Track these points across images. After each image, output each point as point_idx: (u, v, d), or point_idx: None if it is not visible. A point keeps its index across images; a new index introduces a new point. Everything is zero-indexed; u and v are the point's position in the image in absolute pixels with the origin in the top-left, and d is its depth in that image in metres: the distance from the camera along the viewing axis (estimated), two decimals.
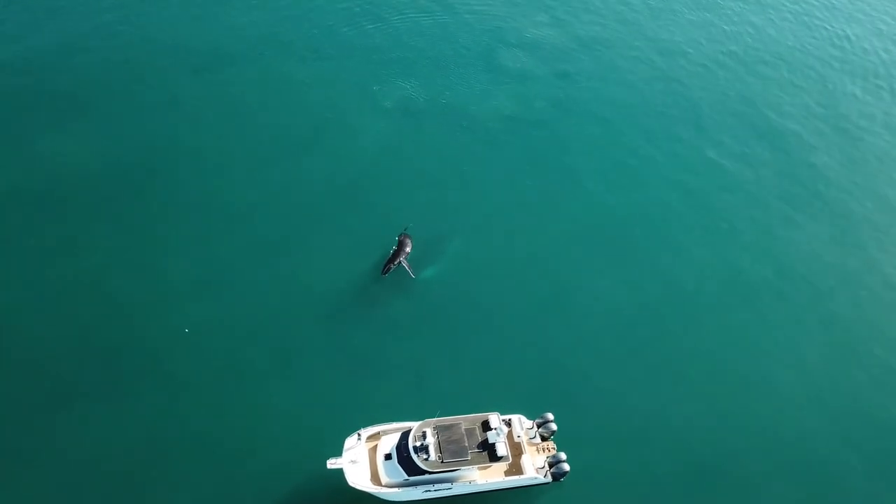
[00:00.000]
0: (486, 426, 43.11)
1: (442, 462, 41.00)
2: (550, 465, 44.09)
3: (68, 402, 45.22)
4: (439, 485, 41.78)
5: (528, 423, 45.86)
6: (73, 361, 47.27)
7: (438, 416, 42.97)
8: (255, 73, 70.94)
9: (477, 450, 42.00)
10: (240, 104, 67.75)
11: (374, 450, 43.08)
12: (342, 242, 56.74)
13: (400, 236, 56.04)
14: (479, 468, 42.57)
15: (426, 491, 41.82)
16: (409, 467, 41.08)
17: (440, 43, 77.93)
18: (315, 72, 72.25)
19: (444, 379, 49.13)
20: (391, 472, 41.60)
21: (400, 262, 54.20)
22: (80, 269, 52.43)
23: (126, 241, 54.74)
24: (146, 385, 46.63)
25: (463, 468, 41.42)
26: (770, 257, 60.62)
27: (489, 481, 42.71)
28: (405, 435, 42.24)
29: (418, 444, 41.41)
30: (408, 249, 55.12)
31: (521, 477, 43.09)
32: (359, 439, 42.49)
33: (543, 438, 45.73)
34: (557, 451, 44.99)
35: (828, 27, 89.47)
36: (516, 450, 43.94)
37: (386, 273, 53.80)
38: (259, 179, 60.83)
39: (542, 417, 45.94)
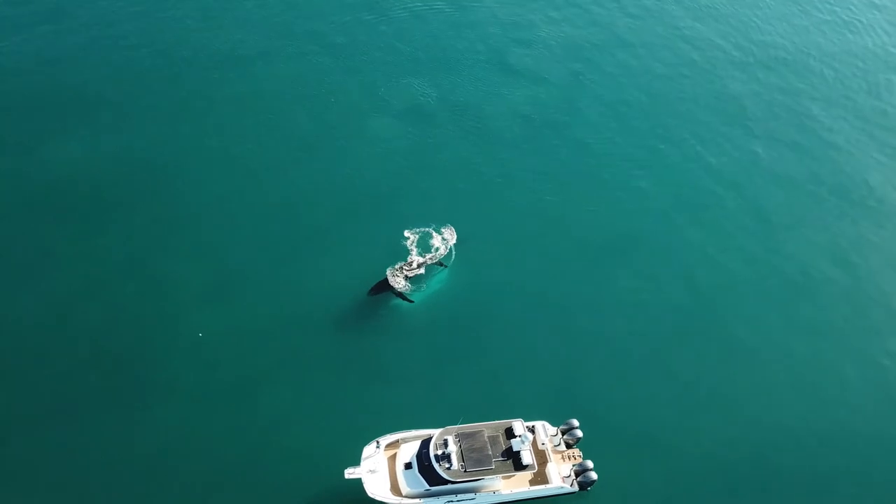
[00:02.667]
0: (509, 433, 41.34)
1: (465, 471, 39.22)
2: (577, 474, 42.25)
3: (76, 413, 43.69)
4: (462, 495, 40.03)
5: (553, 429, 44.08)
6: (81, 369, 45.72)
7: (460, 424, 41.20)
8: (263, 76, 69.39)
9: (501, 458, 40.19)
10: (248, 107, 66.10)
11: (392, 458, 41.34)
12: (356, 246, 55.06)
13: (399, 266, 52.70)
14: (504, 477, 40.78)
15: (448, 502, 40.04)
16: (431, 477, 39.32)
17: (453, 41, 76.39)
18: (324, 73, 70.71)
19: (464, 386, 47.45)
20: (411, 482, 39.83)
21: (393, 290, 51.46)
22: (89, 274, 50.93)
23: (135, 246, 53.25)
24: (156, 394, 45.04)
25: (487, 477, 39.64)
26: (794, 257, 58.87)
27: (514, 491, 40.95)
28: (426, 443, 40.51)
29: (440, 452, 39.65)
30: (399, 285, 51.81)
31: (547, 486, 41.31)
32: (377, 448, 40.79)
33: (568, 446, 43.98)
34: (584, 458, 43.18)
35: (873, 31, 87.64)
36: (541, 458, 42.18)
37: (374, 294, 51.22)
38: (270, 183, 59.21)
39: (566, 424, 44.16)
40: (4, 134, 60.36)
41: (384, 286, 51.22)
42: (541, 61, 76.00)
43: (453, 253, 54.83)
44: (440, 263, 53.43)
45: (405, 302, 50.96)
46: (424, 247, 54.81)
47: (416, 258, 53.14)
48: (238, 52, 71.43)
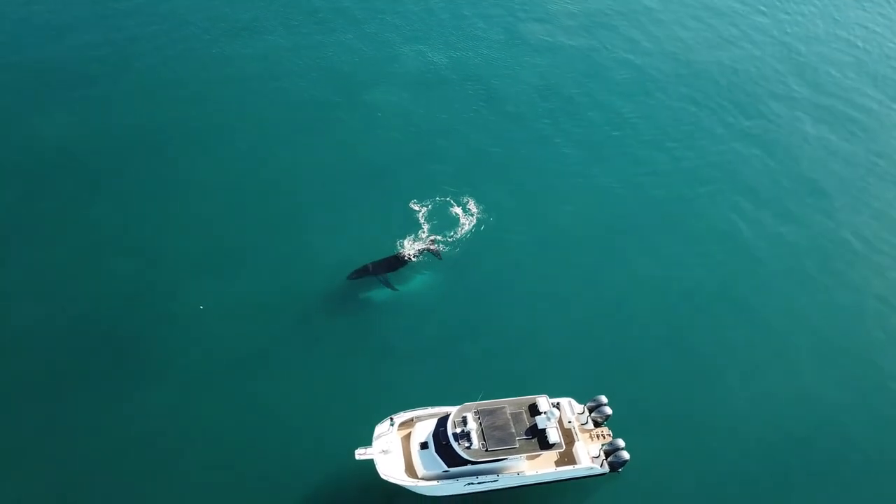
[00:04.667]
0: (533, 410, 37.90)
1: (486, 450, 35.80)
2: (607, 454, 38.90)
3: (71, 393, 40.37)
4: (483, 476, 36.58)
5: (579, 407, 40.66)
6: (72, 345, 42.50)
7: (479, 400, 37.81)
8: (263, 47, 66.22)
9: (525, 436, 36.75)
10: (246, 79, 62.88)
11: (407, 438, 37.96)
12: (362, 219, 51.77)
13: (391, 256, 48.52)
14: (528, 457, 37.38)
15: (468, 484, 36.62)
16: (449, 457, 35.91)
17: (463, 11, 73.06)
18: (328, 43, 67.49)
19: (481, 362, 44.07)
20: (428, 463, 36.42)
21: (378, 276, 47.54)
22: (79, 247, 47.72)
23: (127, 219, 50.01)
24: (153, 372, 41.70)
25: (510, 457, 36.20)
26: (828, 234, 55.49)
27: (539, 472, 37.47)
28: (442, 421, 37.10)
29: (459, 430, 36.23)
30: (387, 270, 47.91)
31: (576, 467, 37.84)
32: (391, 425, 37.38)
33: (596, 424, 40.57)
34: (614, 437, 39.81)
35: None
36: (568, 437, 38.80)
37: (354, 278, 47.06)
38: (269, 157, 55.83)
39: (594, 401, 40.76)
40: None
41: (365, 271, 47.05)
42: (556, 33, 72.66)
43: (474, 225, 51.62)
44: (436, 254, 49.29)
45: (389, 289, 47.03)
46: (440, 218, 51.55)
47: (407, 250, 48.84)
48: (235, 24, 68.22)
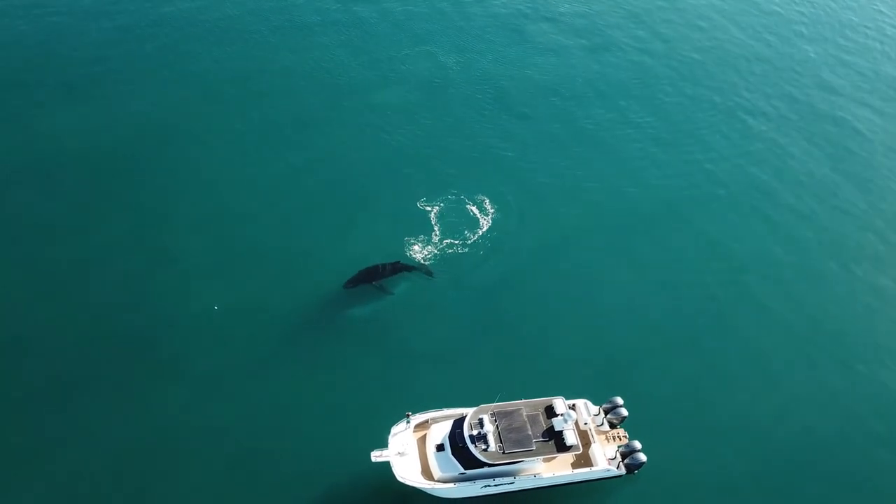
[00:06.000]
0: (550, 412, 37.66)
1: (503, 453, 35.57)
2: (623, 456, 38.68)
3: (87, 393, 40.21)
4: (500, 479, 36.37)
5: (595, 408, 40.48)
6: (85, 345, 42.33)
7: (496, 402, 37.59)
8: (271, 45, 66.12)
9: (542, 438, 36.51)
10: (254, 79, 62.84)
11: (422, 440, 37.74)
12: (374, 219, 51.75)
13: (390, 264, 47.40)
14: (545, 459, 37.18)
15: (485, 486, 36.43)
16: (466, 459, 35.70)
17: (469, 12, 72.84)
18: (335, 42, 67.38)
19: (495, 364, 43.88)
20: (444, 466, 36.21)
21: (372, 283, 46.70)
22: (90, 247, 47.56)
23: (137, 219, 49.92)
24: (166, 372, 41.57)
25: (527, 459, 36.00)
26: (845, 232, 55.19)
27: (556, 474, 37.29)
28: (458, 423, 36.89)
29: (475, 432, 36.00)
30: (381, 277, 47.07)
31: (592, 469, 37.66)
32: (407, 423, 37.16)
33: (612, 426, 40.33)
34: (630, 439, 39.57)
35: None
36: (584, 439, 38.54)
37: (350, 286, 46.09)
38: (280, 156, 55.79)
39: (610, 402, 40.52)
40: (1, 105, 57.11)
41: (362, 278, 46.27)
42: (562, 33, 72.48)
43: (486, 225, 51.50)
44: (427, 272, 48.10)
45: (387, 294, 46.46)
46: (451, 218, 51.44)
47: (389, 267, 47.19)
48: (247, 25, 68.24)
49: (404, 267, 47.71)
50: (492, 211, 52.43)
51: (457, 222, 51.38)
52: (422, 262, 48.51)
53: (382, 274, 46.85)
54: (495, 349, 44.55)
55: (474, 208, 52.47)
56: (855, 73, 71.96)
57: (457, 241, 50.03)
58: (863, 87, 70.28)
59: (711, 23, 77.19)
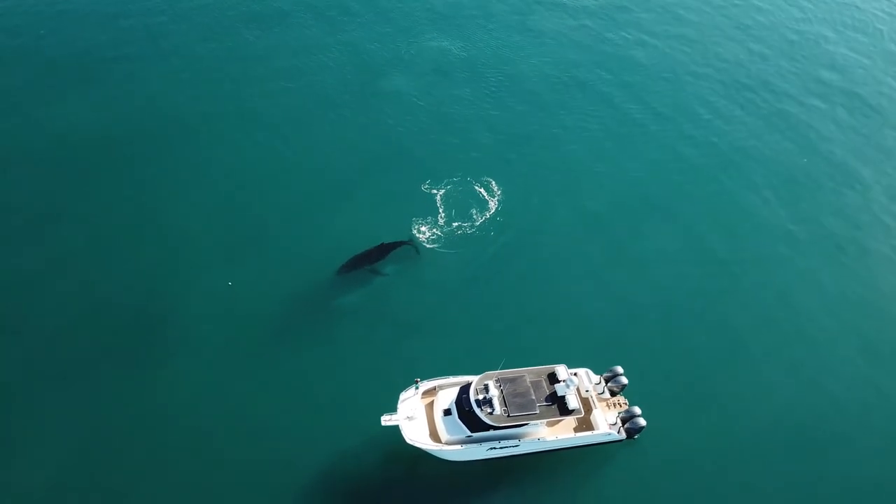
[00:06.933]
0: (552, 378, 39.20)
1: (508, 416, 37.14)
2: (623, 421, 40.18)
3: (95, 368, 41.74)
4: (505, 441, 37.94)
5: (596, 377, 41.99)
6: (98, 323, 43.92)
7: (501, 368, 39.14)
8: (280, 32, 67.80)
9: (545, 403, 38.06)
10: (263, 64, 64.52)
11: (430, 406, 39.33)
12: (383, 199, 53.26)
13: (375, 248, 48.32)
14: (548, 423, 38.74)
15: (491, 448, 37.99)
16: (472, 422, 37.26)
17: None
18: (342, 30, 69.00)
19: (499, 336, 45.27)
20: (452, 429, 37.79)
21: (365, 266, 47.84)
22: (101, 227, 49.27)
23: (148, 198, 51.64)
24: (179, 347, 43.13)
25: (532, 422, 37.54)
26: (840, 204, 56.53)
27: (559, 438, 38.83)
28: (465, 388, 38.43)
29: (481, 397, 37.59)
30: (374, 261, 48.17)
31: (594, 433, 39.19)
32: (416, 389, 38.79)
33: (613, 394, 41.81)
34: (630, 405, 41.07)
35: None
36: (585, 405, 40.06)
37: (344, 272, 47.06)
38: (289, 138, 57.52)
39: (610, 371, 42.03)
40: (14, 91, 59.01)
41: (357, 263, 47.43)
42: (567, 17, 74.02)
43: (493, 204, 53.14)
44: (414, 248, 49.18)
45: (381, 276, 47.82)
46: (458, 200, 53.07)
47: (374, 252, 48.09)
48: (259, 11, 70.10)
49: (391, 246, 48.65)
50: (498, 192, 53.95)
51: (462, 203, 52.86)
52: (413, 239, 49.71)
53: (370, 259, 47.87)
54: (501, 322, 46.02)
55: (481, 189, 53.99)
56: None
57: (465, 224, 51.37)
58: None
59: (728, 10, 78.50)
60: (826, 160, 61.08)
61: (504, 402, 37.53)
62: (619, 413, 40.64)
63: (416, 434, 37.55)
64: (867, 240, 54.44)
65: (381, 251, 48.40)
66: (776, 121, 64.70)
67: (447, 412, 38.44)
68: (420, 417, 38.40)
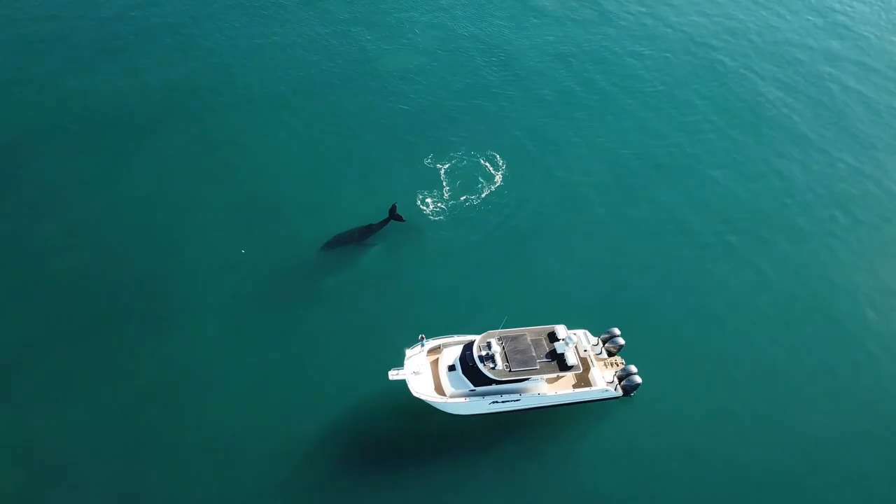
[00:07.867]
0: (552, 337, 40.99)
1: (510, 371, 38.95)
2: (620, 379, 41.95)
3: (110, 331, 43.61)
4: (507, 395, 39.74)
5: (594, 339, 43.72)
6: (113, 288, 45.87)
7: (502, 327, 40.94)
8: (292, 11, 69.52)
9: (545, 359, 39.86)
10: (273, 43, 66.34)
11: (435, 363, 41.17)
12: (389, 171, 55.12)
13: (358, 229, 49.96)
14: (548, 379, 40.54)
15: (493, 402, 39.79)
16: (475, 377, 39.11)
17: None
18: (348, 10, 70.67)
19: (500, 299, 47.08)
20: (456, 383, 39.62)
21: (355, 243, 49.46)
22: (117, 197, 51.29)
23: (163, 170, 53.67)
24: (192, 310, 45.08)
25: (532, 377, 39.34)
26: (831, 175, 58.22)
27: (558, 393, 40.62)
28: (468, 346, 40.26)
29: (484, 353, 39.41)
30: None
31: (592, 389, 40.99)
32: (422, 346, 40.59)
33: (610, 354, 43.60)
34: (626, 364, 42.85)
35: None
36: (584, 363, 41.84)
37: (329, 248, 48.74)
38: (301, 112, 59.66)
39: (608, 332, 43.81)
40: (31, 66, 60.97)
41: (342, 240, 49.20)
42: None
43: (495, 176, 54.96)
44: (398, 218, 50.26)
45: (371, 247, 49.49)
46: (461, 173, 54.84)
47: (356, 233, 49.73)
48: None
49: (378, 226, 49.94)
50: (502, 165, 55.75)
51: (465, 177, 54.63)
52: (393, 215, 50.61)
53: (352, 238, 49.33)
54: (501, 287, 47.82)
55: (486, 163, 55.72)
56: None
57: (471, 196, 53.41)
58: None
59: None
60: None
61: (506, 358, 39.33)
62: (616, 372, 42.40)
63: (421, 388, 39.37)
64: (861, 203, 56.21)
65: (369, 231, 49.70)
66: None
67: (451, 368, 40.25)
68: (426, 373, 40.23)
